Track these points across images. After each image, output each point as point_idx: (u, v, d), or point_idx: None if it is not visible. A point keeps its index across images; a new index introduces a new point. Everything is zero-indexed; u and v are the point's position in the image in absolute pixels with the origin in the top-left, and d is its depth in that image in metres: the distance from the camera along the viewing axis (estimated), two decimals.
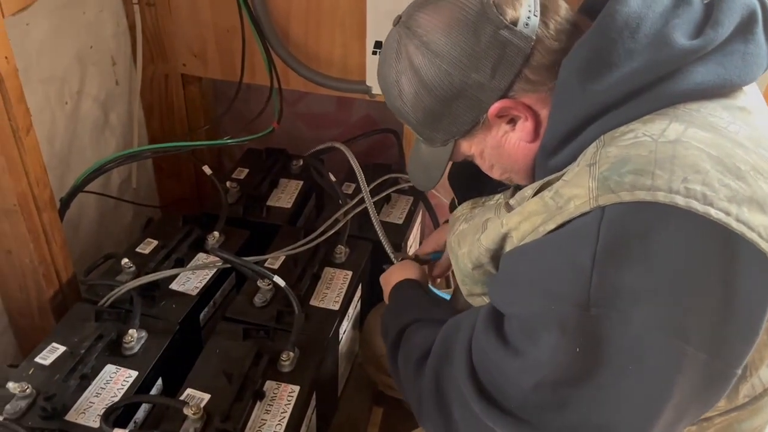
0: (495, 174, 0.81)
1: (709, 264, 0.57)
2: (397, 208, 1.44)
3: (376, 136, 1.65)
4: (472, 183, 0.91)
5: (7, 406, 0.91)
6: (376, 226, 1.24)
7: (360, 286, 1.27)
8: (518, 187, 0.78)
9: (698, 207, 0.57)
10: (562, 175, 0.66)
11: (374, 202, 1.37)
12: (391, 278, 1.05)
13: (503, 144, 0.74)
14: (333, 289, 1.19)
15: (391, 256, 1.21)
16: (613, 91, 0.63)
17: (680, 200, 0.57)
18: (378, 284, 1.10)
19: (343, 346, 1.22)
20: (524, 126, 0.71)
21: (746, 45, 0.65)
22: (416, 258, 1.14)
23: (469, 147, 0.78)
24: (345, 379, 1.31)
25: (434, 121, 0.75)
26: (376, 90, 1.37)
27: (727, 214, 0.57)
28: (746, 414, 0.74)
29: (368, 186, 1.36)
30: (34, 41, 1.16)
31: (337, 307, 1.15)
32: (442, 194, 1.50)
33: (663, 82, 0.63)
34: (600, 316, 0.59)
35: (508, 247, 0.71)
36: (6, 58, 0.95)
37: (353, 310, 1.25)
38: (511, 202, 0.73)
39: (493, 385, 0.68)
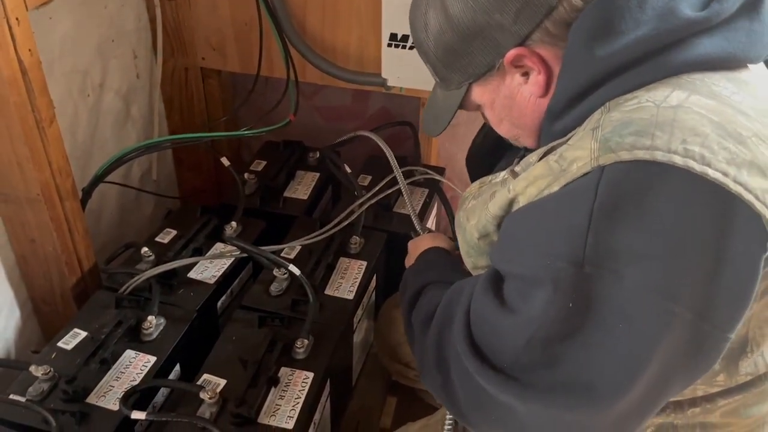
0: (503, 130, 0.82)
1: (703, 224, 0.58)
2: (412, 199, 1.45)
3: (392, 128, 1.66)
4: (488, 165, 0.92)
5: (30, 389, 0.94)
6: (407, 200, 1.27)
7: (375, 277, 1.28)
8: (520, 160, 0.79)
9: (695, 166, 0.57)
10: (567, 140, 0.67)
11: (389, 194, 1.38)
12: (420, 243, 1.07)
13: (515, 95, 0.75)
14: (348, 278, 1.20)
15: (419, 229, 1.22)
16: (618, 57, 0.64)
17: (678, 159, 0.57)
18: (392, 275, 1.12)
19: (357, 335, 1.23)
20: (537, 80, 0.71)
21: (751, 22, 0.66)
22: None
23: (482, 94, 0.78)
24: (359, 369, 1.32)
25: (452, 60, 0.76)
26: (392, 82, 1.38)
27: (725, 174, 0.57)
28: (752, 398, 0.74)
29: (384, 179, 1.38)
30: (57, 34, 1.19)
31: (351, 296, 1.16)
32: (457, 186, 1.50)
33: (668, 51, 0.63)
34: (593, 275, 0.59)
35: None
36: (30, 50, 0.97)
37: (368, 299, 1.26)
38: (517, 169, 0.73)
39: (486, 345, 0.70)
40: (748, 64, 0.68)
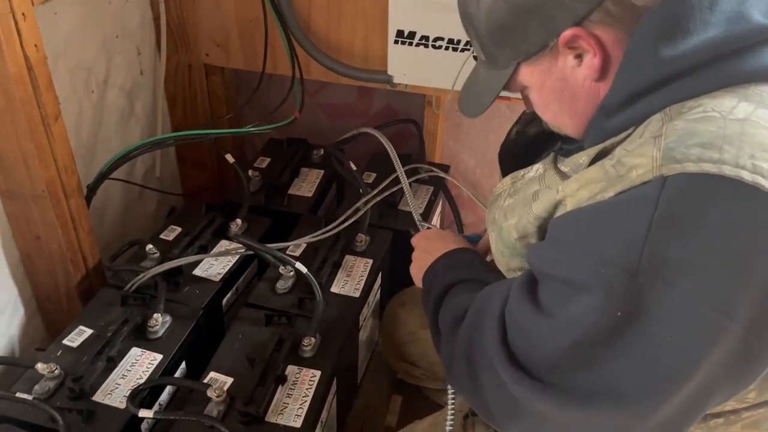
0: (548, 115, 0.78)
1: (765, 241, 0.56)
2: (417, 197, 1.45)
3: (397, 126, 1.65)
4: (522, 161, 0.89)
5: (36, 387, 0.94)
6: (408, 198, 1.26)
7: (380, 275, 1.28)
8: (557, 155, 0.77)
9: (764, 183, 0.56)
10: (620, 141, 0.65)
11: (393, 192, 1.38)
12: (428, 235, 1.04)
13: (568, 78, 0.71)
14: (353, 276, 1.20)
15: (419, 227, 1.21)
16: (685, 59, 0.62)
17: (746, 175, 0.56)
18: (398, 273, 1.11)
19: (363, 333, 1.23)
20: (591, 63, 0.68)
21: None
22: None
23: (530, 74, 0.74)
24: (365, 367, 1.32)
25: (504, 35, 0.72)
26: (397, 80, 1.38)
27: None
28: None
29: (389, 176, 1.37)
30: (62, 30, 1.18)
31: (357, 294, 1.16)
32: (461, 184, 1.50)
33: (736, 58, 0.61)
34: (646, 284, 0.58)
35: (559, 215, 0.70)
36: (35, 46, 0.97)
37: (373, 297, 1.26)
38: (563, 168, 0.71)
39: (522, 352, 0.68)
40: None
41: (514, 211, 0.76)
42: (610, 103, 0.68)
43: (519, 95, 0.82)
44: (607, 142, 0.67)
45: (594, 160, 0.67)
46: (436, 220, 1.52)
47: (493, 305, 0.74)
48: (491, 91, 0.79)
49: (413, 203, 1.26)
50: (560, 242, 0.68)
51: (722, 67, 0.61)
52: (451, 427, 0.94)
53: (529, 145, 0.96)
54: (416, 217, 1.24)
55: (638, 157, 0.61)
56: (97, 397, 0.94)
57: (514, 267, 0.80)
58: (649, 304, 0.59)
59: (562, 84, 0.72)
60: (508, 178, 0.82)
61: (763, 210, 0.56)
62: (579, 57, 0.69)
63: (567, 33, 0.67)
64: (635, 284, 0.58)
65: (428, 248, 1.00)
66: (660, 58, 0.63)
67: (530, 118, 0.96)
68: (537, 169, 0.75)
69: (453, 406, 0.93)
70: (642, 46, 0.64)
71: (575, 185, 0.66)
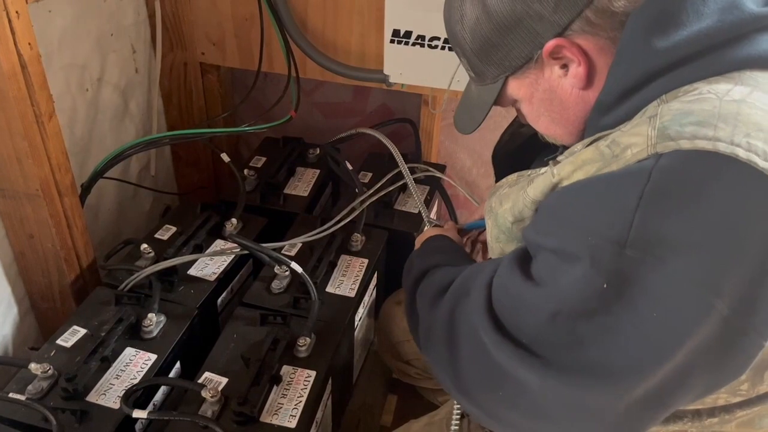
0: (541, 126, 0.79)
1: (759, 220, 0.56)
2: (413, 197, 1.44)
3: (393, 125, 1.65)
4: (515, 165, 0.90)
5: (30, 387, 0.93)
6: (415, 196, 1.27)
7: (376, 275, 1.27)
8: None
9: (759, 162, 0.56)
10: (617, 129, 0.65)
11: (389, 192, 1.38)
12: (429, 234, 1.06)
13: (556, 89, 0.73)
14: (349, 276, 1.19)
15: (427, 222, 1.21)
16: (678, 50, 0.63)
17: (741, 153, 0.56)
18: (394, 272, 1.11)
19: (358, 333, 1.22)
20: (577, 71, 0.69)
21: None
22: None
23: (519, 88, 0.76)
24: (360, 367, 1.32)
25: (489, 52, 0.74)
26: (394, 79, 1.37)
27: None
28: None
29: (385, 176, 1.37)
30: (56, 28, 1.17)
31: (353, 294, 1.16)
32: (458, 184, 1.50)
33: (730, 46, 0.62)
34: (634, 258, 0.58)
35: None
36: (29, 44, 0.96)
37: (369, 297, 1.26)
38: (560, 158, 0.71)
39: (509, 319, 0.69)
40: None
41: (510, 197, 0.77)
42: (606, 100, 0.68)
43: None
44: (603, 133, 0.67)
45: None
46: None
47: (483, 275, 0.75)
48: (483, 107, 0.81)
49: (419, 198, 1.27)
50: (553, 214, 0.68)
51: (717, 55, 0.62)
52: (456, 427, 0.94)
53: (524, 146, 0.96)
54: (424, 213, 1.23)
55: (633, 137, 0.61)
56: (91, 397, 0.94)
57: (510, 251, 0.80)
58: (636, 278, 0.59)
59: (550, 95, 0.74)
60: (514, 174, 0.83)
61: (757, 188, 0.56)
62: (565, 67, 0.71)
63: (550, 44, 0.68)
64: (623, 256, 0.59)
65: (418, 243, 1.03)
66: (654, 49, 0.63)
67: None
68: (544, 170, 0.75)
69: (459, 407, 0.93)
70: (634, 42, 0.65)
71: (570, 167, 0.67)
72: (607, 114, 0.68)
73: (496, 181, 0.91)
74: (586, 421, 0.67)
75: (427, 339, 0.82)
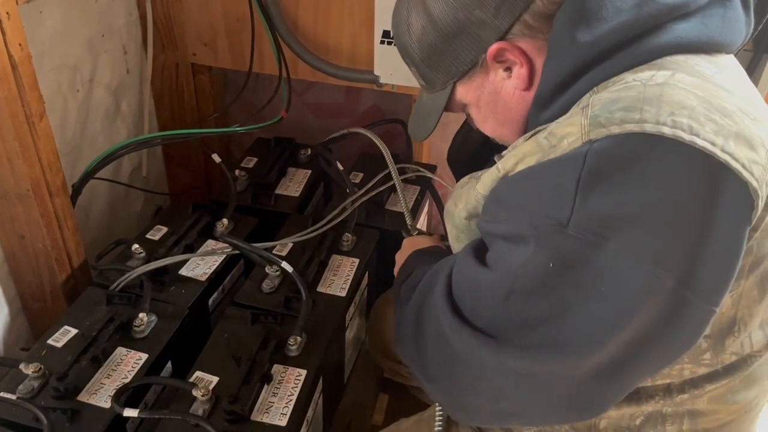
0: (487, 128, 0.84)
1: (691, 191, 0.59)
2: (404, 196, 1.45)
3: (383, 126, 1.66)
4: (471, 166, 0.93)
5: (20, 386, 0.93)
6: (401, 196, 1.28)
7: (367, 274, 1.28)
8: None
9: (684, 136, 0.58)
10: (554, 122, 0.68)
11: (380, 192, 1.38)
12: (417, 241, 1.09)
13: (499, 91, 0.77)
14: (340, 276, 1.20)
15: (410, 228, 1.23)
16: (601, 43, 0.66)
17: (667, 130, 0.59)
18: (385, 272, 1.12)
19: (349, 332, 1.23)
20: (519, 73, 0.73)
21: (725, 9, 0.69)
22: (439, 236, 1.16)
23: (467, 92, 0.80)
24: (351, 366, 1.32)
25: (436, 60, 0.77)
26: (384, 80, 1.38)
27: (713, 144, 0.58)
28: (738, 383, 0.75)
29: (376, 176, 1.38)
30: (47, 29, 1.18)
31: (344, 293, 1.16)
32: (448, 183, 1.51)
33: (649, 35, 0.66)
34: (577, 237, 0.61)
35: None
36: (20, 44, 0.96)
37: (360, 297, 1.26)
38: (504, 153, 0.75)
39: (466, 304, 0.71)
40: (723, 53, 0.70)
41: (462, 197, 0.81)
42: (542, 95, 0.72)
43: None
44: (542, 126, 0.70)
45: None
46: (423, 219, 1.53)
47: (446, 267, 0.78)
48: (434, 113, 0.85)
49: (406, 206, 1.27)
50: (500, 201, 0.72)
51: (638, 45, 0.66)
52: (440, 427, 0.95)
53: (476, 151, 0.99)
54: (408, 221, 1.25)
55: (569, 127, 0.65)
56: (82, 396, 0.94)
57: None
58: (580, 256, 0.61)
59: (495, 97, 0.78)
60: (466, 177, 0.86)
61: (686, 161, 0.59)
62: (508, 70, 0.75)
63: (493, 48, 0.72)
64: (565, 236, 0.61)
65: (406, 248, 1.06)
66: (579, 44, 0.67)
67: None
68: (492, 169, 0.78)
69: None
70: (561, 39, 0.68)
71: (513, 160, 0.70)
72: (544, 109, 0.71)
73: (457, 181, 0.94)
74: (544, 398, 0.70)
75: (399, 331, 0.85)
